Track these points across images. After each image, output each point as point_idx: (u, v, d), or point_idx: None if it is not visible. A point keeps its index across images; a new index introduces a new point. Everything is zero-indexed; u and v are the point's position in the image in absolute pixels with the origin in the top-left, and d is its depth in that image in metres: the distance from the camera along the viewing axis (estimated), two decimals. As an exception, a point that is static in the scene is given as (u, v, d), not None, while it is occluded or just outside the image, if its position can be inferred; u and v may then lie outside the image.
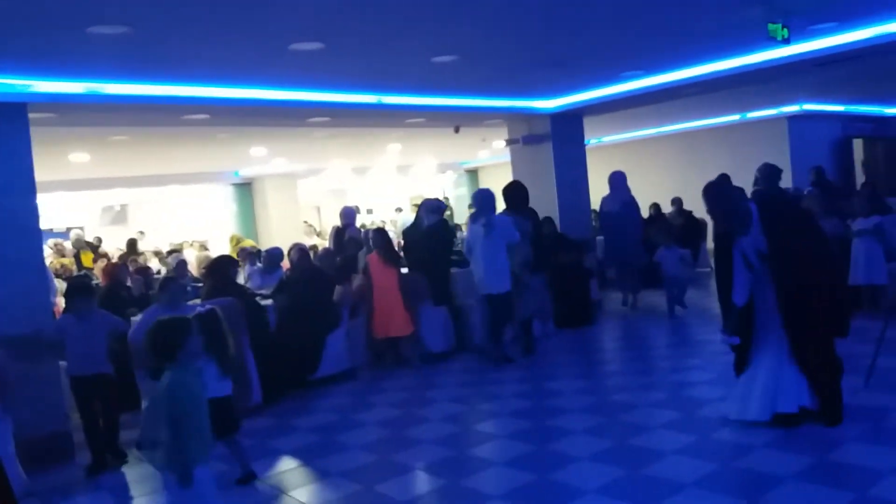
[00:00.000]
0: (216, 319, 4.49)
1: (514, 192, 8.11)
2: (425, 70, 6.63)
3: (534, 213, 8.38)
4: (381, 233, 7.85)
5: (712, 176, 9.92)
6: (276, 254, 9.19)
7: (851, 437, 4.34)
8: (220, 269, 6.69)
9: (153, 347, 3.25)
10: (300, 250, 7.52)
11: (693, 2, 5.24)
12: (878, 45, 6.66)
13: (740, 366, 4.82)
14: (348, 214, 10.03)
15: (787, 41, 5.59)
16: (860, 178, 15.87)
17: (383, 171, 18.45)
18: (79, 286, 5.46)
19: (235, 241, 11.84)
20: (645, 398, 5.63)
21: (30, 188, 5.63)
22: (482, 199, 7.44)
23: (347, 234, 9.50)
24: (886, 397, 4.99)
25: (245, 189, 16.57)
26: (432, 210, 7.98)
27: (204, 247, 13.76)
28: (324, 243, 13.53)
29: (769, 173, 7.78)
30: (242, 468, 4.67)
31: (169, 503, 3.39)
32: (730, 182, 6.24)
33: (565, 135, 9.74)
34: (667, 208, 12.74)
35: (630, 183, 9.81)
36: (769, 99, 12.41)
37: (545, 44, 6.16)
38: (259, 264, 9.54)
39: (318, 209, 19.98)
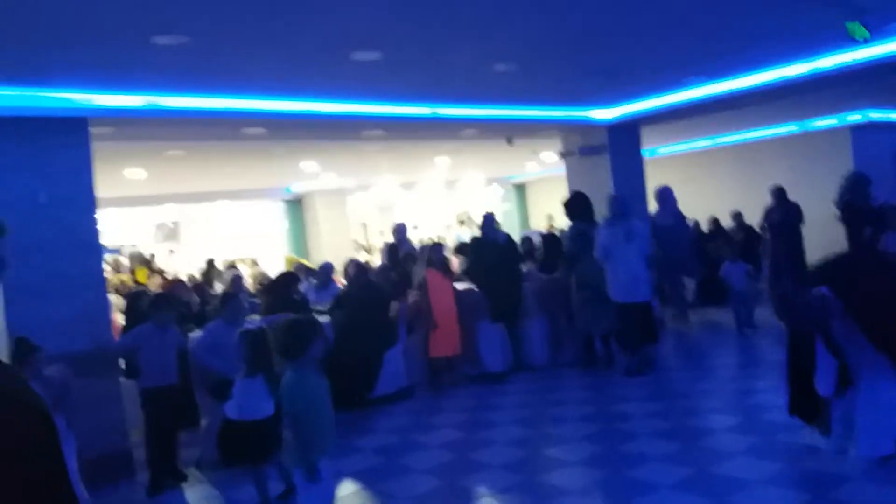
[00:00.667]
0: (264, 337, 4.42)
1: (579, 202, 7.88)
2: (482, 79, 6.48)
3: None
4: (438, 248, 7.68)
5: (764, 189, 9.72)
6: (328, 268, 9.07)
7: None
8: (281, 285, 6.58)
9: (283, 344, 3.42)
10: (357, 265, 7.39)
11: (760, 2, 4.98)
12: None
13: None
14: (401, 230, 9.92)
15: (867, 41, 5.27)
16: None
17: (430, 187, 18.35)
18: (165, 298, 5.42)
19: (290, 263, 11.79)
20: (720, 422, 5.32)
21: (90, 204, 5.60)
22: (623, 204, 7.18)
23: (401, 249, 9.36)
24: None
25: (296, 205, 16.61)
26: (492, 224, 7.83)
27: (255, 263, 13.82)
28: (374, 259, 13.46)
29: (856, 181, 7.23)
30: (288, 483, 4.51)
31: (300, 499, 3.50)
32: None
33: (622, 145, 9.47)
34: (724, 222, 12.34)
35: (685, 196, 9.59)
36: (830, 107, 11.94)
37: (605, 50, 5.97)
38: (313, 280, 9.44)
39: (365, 225, 19.89)
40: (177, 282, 7.97)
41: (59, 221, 5.40)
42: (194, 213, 17.47)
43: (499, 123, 8.38)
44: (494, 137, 9.57)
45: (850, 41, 5.27)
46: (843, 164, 13.47)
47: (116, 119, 5.82)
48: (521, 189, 20.56)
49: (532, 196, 20.49)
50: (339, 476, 3.87)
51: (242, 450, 4.40)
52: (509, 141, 9.57)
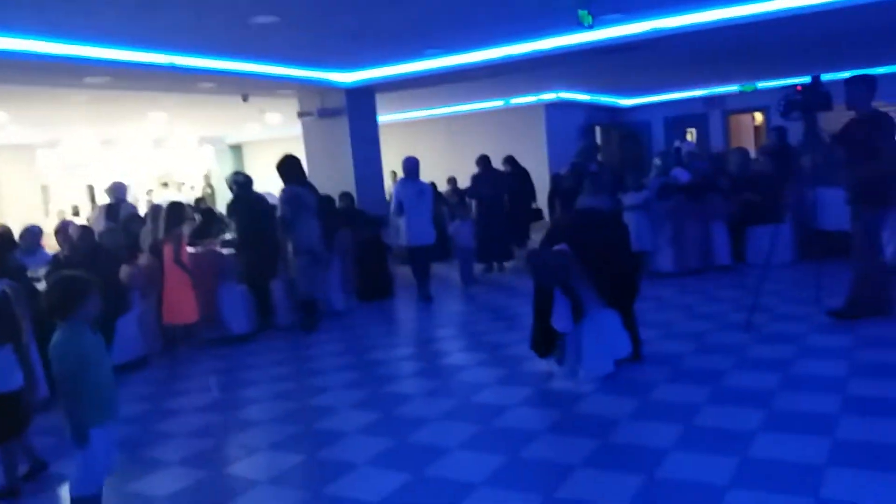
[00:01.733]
0: (8, 301, 3.93)
1: (293, 166, 7.71)
2: (240, 31, 6.21)
3: (313, 187, 8.22)
4: (179, 208, 7.20)
5: (474, 157, 10.74)
6: (36, 232, 7.99)
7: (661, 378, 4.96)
8: (-8, 247, 5.67)
9: (53, 302, 3.19)
10: (83, 228, 6.67)
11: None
12: (650, 39, 7.59)
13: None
14: (119, 189, 9.09)
15: (590, 27, 6.13)
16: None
17: (133, 145, 16.84)
18: None
19: None
20: (470, 359, 5.89)
21: None
22: (415, 165, 8.59)
23: (123, 210, 8.60)
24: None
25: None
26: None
27: None
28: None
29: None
30: (34, 462, 4.13)
31: (74, 468, 3.30)
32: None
33: (360, 110, 9.72)
34: (440, 187, 13.33)
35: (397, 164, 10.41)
36: (532, 86, 13.47)
37: (354, 12, 6.09)
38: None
39: (45, 188, 17.11)
40: None
41: None
42: None
43: (240, 78, 8.06)
44: (232, 92, 9.17)
45: (576, 25, 6.07)
46: (538, 135, 15.33)
47: None
48: (237, 150, 19.83)
49: (249, 158, 19.91)
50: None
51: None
52: (245, 98, 9.25)
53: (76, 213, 14.44)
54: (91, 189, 16.38)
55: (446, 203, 12.66)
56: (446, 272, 10.48)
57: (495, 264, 10.30)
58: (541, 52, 8.14)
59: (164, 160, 18.29)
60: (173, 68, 7.14)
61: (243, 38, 6.71)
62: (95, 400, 3.19)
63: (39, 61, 6.17)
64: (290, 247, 7.54)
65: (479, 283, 9.54)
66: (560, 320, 4.95)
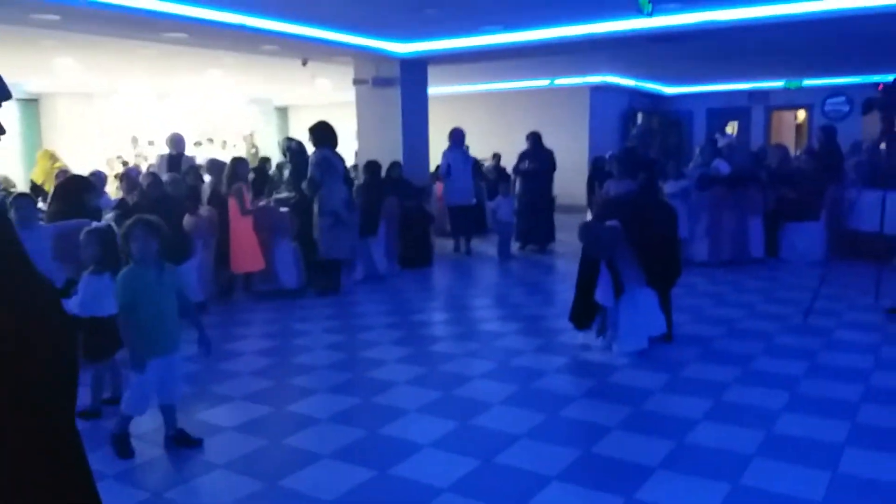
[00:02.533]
0: (113, 234, 4.35)
1: (326, 130, 7.75)
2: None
3: (340, 155, 8.27)
4: (242, 164, 7.58)
5: (521, 135, 10.93)
6: (102, 177, 8.47)
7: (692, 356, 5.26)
8: (73, 190, 6.09)
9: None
10: (152, 175, 7.06)
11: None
12: (705, 30, 7.76)
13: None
14: (179, 141, 9.47)
15: (649, 15, 6.33)
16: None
17: (186, 99, 17.27)
18: None
19: (49, 157, 10.47)
20: (509, 327, 6.23)
21: None
22: (462, 134, 10.07)
23: (184, 162, 8.99)
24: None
25: (31, 105, 14.68)
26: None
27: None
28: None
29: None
30: (114, 390, 4.52)
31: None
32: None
33: (412, 80, 9.99)
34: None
35: (442, 138, 10.81)
36: (579, 68, 13.60)
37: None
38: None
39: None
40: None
41: None
42: None
43: (302, 42, 8.38)
44: (291, 57, 9.49)
45: (635, 11, 6.27)
46: (581, 117, 15.47)
47: None
48: (283, 112, 20.22)
49: (294, 121, 20.28)
50: (180, 378, 3.97)
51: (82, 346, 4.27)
52: (304, 62, 9.57)
53: (125, 163, 14.93)
54: (135, 140, 16.82)
55: (485, 178, 12.96)
56: (483, 247, 10.80)
57: (533, 246, 10.51)
58: (595, 35, 8.33)
59: (210, 117, 18.74)
60: (243, 28, 7.47)
61: (311, 4, 7.01)
62: (151, 333, 3.64)
63: (124, 14, 6.53)
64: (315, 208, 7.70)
65: (515, 258, 9.84)
66: (603, 294, 5.25)
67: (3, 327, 1.67)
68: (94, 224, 4.57)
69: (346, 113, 14.09)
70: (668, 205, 5.96)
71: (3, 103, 1.89)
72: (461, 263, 9.69)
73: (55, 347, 1.81)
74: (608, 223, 5.19)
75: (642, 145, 8.73)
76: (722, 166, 9.71)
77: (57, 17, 6.50)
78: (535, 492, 3.31)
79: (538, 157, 10.42)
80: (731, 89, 17.76)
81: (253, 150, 18.49)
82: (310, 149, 7.79)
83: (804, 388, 4.57)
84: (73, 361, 1.86)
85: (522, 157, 10.55)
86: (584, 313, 5.55)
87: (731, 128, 18.24)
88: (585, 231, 5.18)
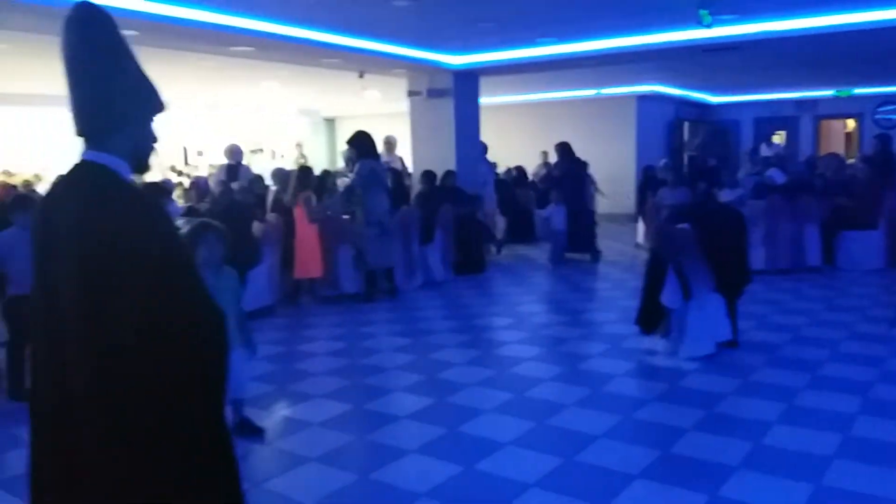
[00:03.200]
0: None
1: (365, 140, 7.88)
2: (374, 12, 6.72)
3: (381, 163, 8.34)
4: (308, 173, 7.83)
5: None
6: (170, 186, 8.79)
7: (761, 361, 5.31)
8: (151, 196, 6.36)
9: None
10: (223, 183, 7.34)
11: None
12: (759, 40, 7.81)
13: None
14: (238, 152, 9.82)
15: (708, 26, 6.41)
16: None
17: (236, 110, 17.67)
18: (24, 199, 5.02)
19: None
20: (572, 333, 6.33)
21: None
22: (485, 147, 10.80)
23: (242, 171, 9.30)
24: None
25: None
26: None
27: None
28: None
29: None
30: None
31: None
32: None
33: (464, 92, 10.17)
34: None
35: (493, 146, 11.50)
36: (627, 77, 13.66)
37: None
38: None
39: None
40: (10, 187, 7.27)
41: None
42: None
43: (362, 55, 8.61)
44: (349, 69, 9.75)
45: (692, 22, 6.36)
46: (628, 127, 15.51)
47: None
48: (330, 123, 20.58)
49: (341, 131, 20.62)
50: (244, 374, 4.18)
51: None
52: (361, 75, 9.82)
53: (179, 173, 15.35)
54: (185, 150, 17.24)
55: (534, 187, 13.09)
56: (536, 253, 10.91)
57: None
58: (649, 45, 8.42)
59: (258, 127, 19.14)
60: (308, 42, 7.73)
61: (377, 19, 7.23)
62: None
63: (197, 28, 6.81)
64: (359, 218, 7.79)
65: (566, 265, 9.92)
66: (670, 296, 5.33)
67: (188, 321, 1.88)
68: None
69: (392, 123, 14.38)
70: (738, 212, 6.02)
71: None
72: (514, 271, 9.80)
73: (221, 342, 2.01)
74: (680, 226, 5.28)
75: (702, 154, 8.75)
76: (776, 175, 9.71)
77: (136, 33, 6.82)
78: (620, 489, 3.42)
79: (564, 167, 10.41)
80: (778, 98, 17.61)
81: (301, 160, 18.87)
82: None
83: (878, 392, 4.59)
84: (227, 354, 2.05)
85: (553, 167, 10.67)
86: (651, 317, 5.63)
87: (780, 137, 18.09)
88: (659, 232, 5.28)
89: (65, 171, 2.00)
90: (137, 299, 1.81)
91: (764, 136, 17.35)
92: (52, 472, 1.89)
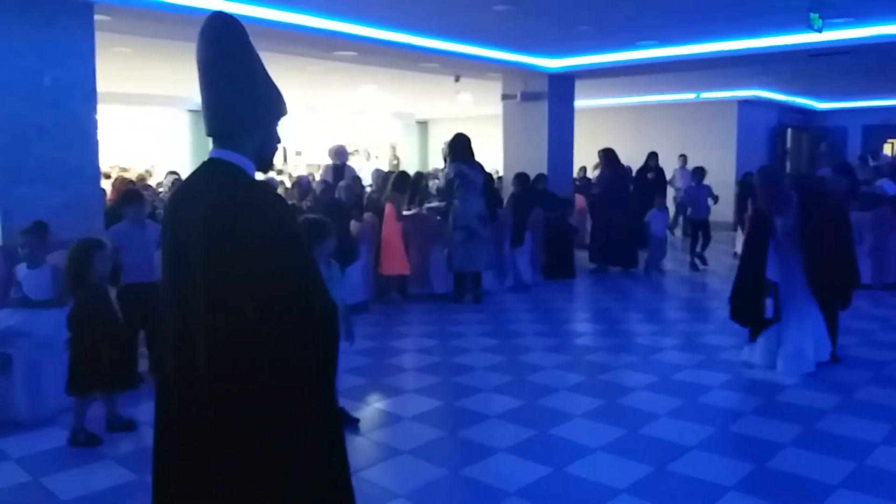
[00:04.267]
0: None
1: (462, 143, 7.86)
2: (474, 17, 6.84)
3: (481, 165, 8.18)
4: (405, 176, 8.05)
5: (664, 149, 10.76)
6: (274, 183, 9.18)
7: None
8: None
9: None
10: (324, 182, 7.62)
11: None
12: (871, 44, 7.47)
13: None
14: (343, 153, 10.11)
15: (819, 30, 6.19)
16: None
17: (334, 113, 18.22)
18: (136, 193, 5.39)
19: None
20: (667, 343, 6.24)
21: (91, 92, 5.48)
22: None
23: (347, 171, 9.59)
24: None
25: (197, 115, 16.01)
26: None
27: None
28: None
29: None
30: None
31: None
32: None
33: (559, 95, 10.16)
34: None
35: (586, 150, 11.01)
36: (728, 81, 13.26)
37: (587, 4, 6.55)
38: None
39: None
40: (129, 181, 7.80)
41: (59, 107, 5.27)
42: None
43: (459, 60, 8.75)
44: (446, 73, 9.92)
45: (800, 26, 6.15)
46: (727, 133, 15.07)
47: (121, 8, 5.66)
48: (423, 126, 20.92)
49: (433, 134, 20.92)
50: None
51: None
52: (457, 79, 9.98)
53: (279, 172, 16.00)
54: (284, 150, 17.89)
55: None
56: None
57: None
58: (754, 49, 8.17)
59: (354, 129, 19.67)
60: (409, 47, 7.93)
61: (477, 24, 7.35)
62: None
63: (305, 34, 7.11)
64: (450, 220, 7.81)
65: (661, 273, 9.74)
66: (773, 271, 5.17)
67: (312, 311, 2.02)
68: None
69: (485, 126, 14.47)
70: (839, 202, 5.80)
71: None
72: (604, 277, 9.71)
73: (334, 332, 2.15)
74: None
75: (825, 165, 8.44)
76: (888, 186, 9.24)
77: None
78: (713, 500, 3.38)
79: (610, 176, 9.98)
80: (890, 105, 16.65)
81: (395, 162, 19.29)
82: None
83: None
84: (338, 343, 2.19)
85: (599, 177, 10.32)
86: (747, 311, 5.43)
87: (892, 145, 17.11)
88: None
89: (193, 168, 2.14)
90: (261, 288, 1.94)
91: (874, 144, 16.45)
92: (176, 454, 2.05)
